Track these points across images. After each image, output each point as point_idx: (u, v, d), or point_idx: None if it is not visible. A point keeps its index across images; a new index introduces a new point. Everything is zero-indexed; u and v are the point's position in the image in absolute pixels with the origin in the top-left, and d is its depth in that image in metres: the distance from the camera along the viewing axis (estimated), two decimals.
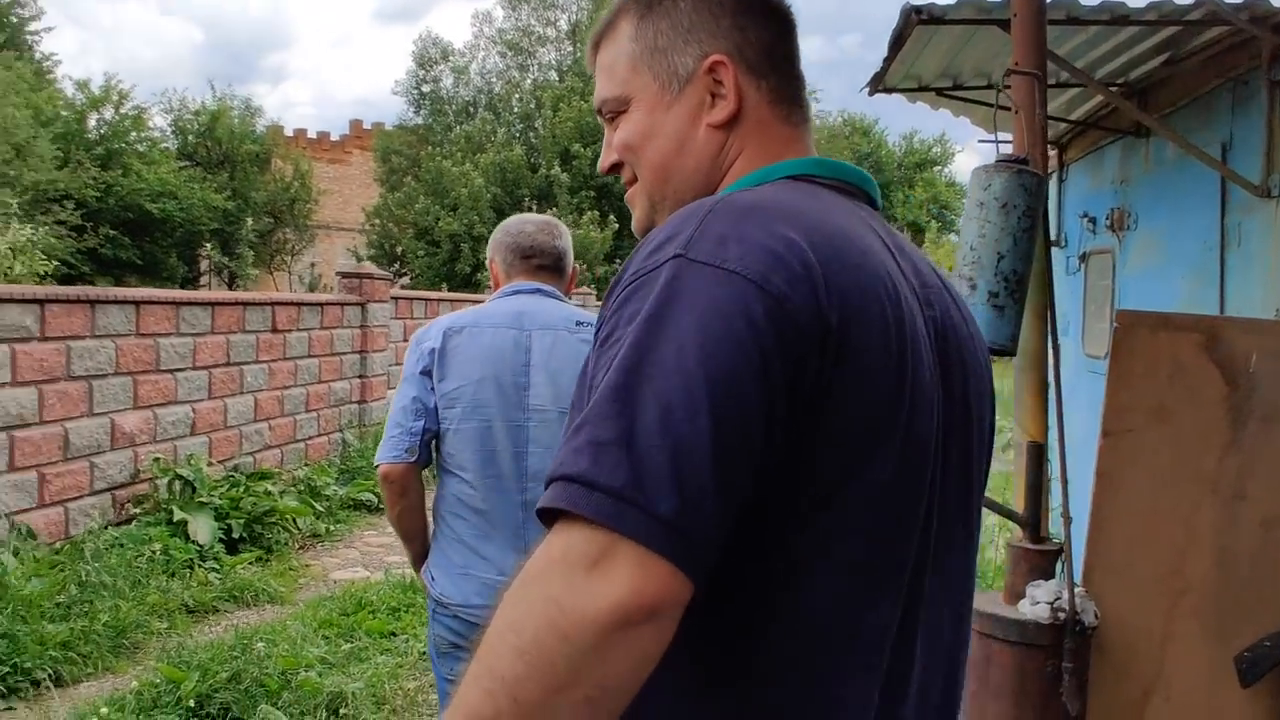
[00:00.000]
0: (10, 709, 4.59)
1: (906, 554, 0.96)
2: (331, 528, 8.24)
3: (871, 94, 5.36)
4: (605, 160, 1.17)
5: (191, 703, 4.35)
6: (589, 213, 25.39)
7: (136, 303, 7.16)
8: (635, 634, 0.79)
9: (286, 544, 7.58)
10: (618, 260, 28.62)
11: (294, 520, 7.83)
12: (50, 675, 4.90)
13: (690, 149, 1.09)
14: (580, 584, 0.80)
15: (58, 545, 6.29)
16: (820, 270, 0.89)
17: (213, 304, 8.05)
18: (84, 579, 5.73)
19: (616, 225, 25.38)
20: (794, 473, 0.89)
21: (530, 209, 25.54)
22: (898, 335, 0.92)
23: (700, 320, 0.85)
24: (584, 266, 24.64)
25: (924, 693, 1.01)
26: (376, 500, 8.57)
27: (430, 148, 26.87)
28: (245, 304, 8.49)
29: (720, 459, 0.82)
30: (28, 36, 24.35)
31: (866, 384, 0.90)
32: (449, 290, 21.89)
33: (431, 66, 29.21)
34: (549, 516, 0.84)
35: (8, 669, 4.75)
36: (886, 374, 0.91)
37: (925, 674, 1.01)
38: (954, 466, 1.02)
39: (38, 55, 24.52)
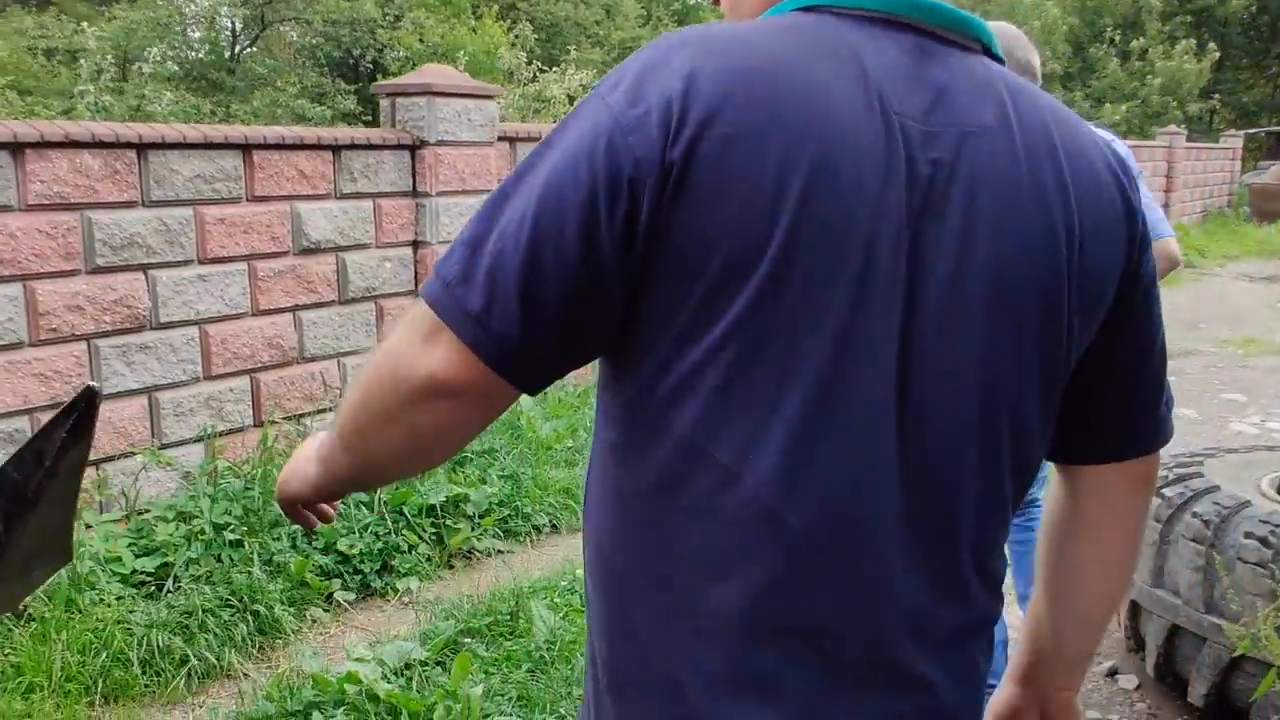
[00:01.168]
0: (509, 551, 4.50)
1: (781, 398, 0.93)
2: None
3: None
4: None
5: None
6: (1183, 41, 21.84)
7: None
8: (438, 404, 0.96)
9: None
10: (1215, 96, 24.60)
11: None
12: (549, 522, 4.78)
13: None
14: (414, 348, 0.96)
15: (578, 388, 6.26)
16: (692, 109, 0.90)
17: None
18: (590, 424, 5.57)
19: (1217, 54, 21.64)
20: (647, 302, 0.94)
21: (1114, 40, 22.52)
22: (804, 177, 0.90)
23: (562, 148, 0.94)
24: (1175, 103, 21.41)
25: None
26: None
27: None
28: None
29: (527, 272, 0.92)
30: None
31: (714, 225, 0.90)
32: None
33: None
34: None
35: (509, 511, 4.68)
36: (751, 218, 0.90)
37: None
38: (947, 317, 0.96)
39: None
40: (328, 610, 3.86)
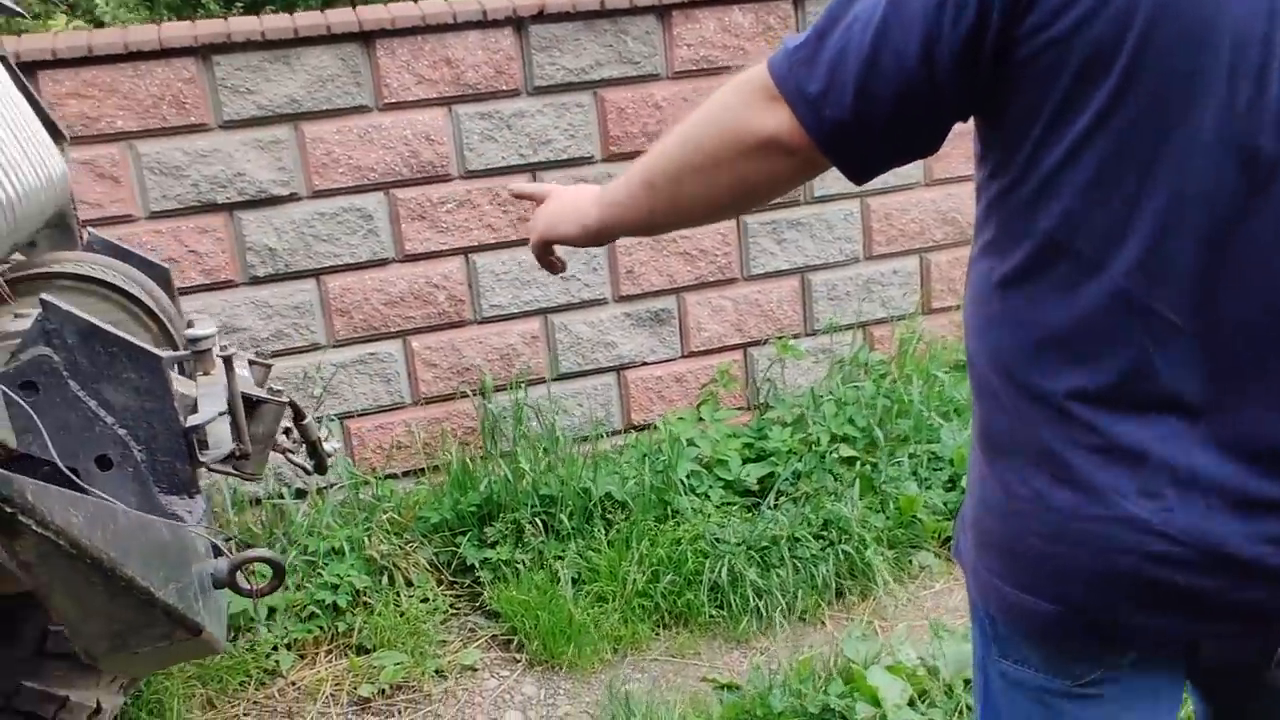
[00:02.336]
0: None
1: (1150, 190, 0.97)
2: None
3: None
4: None
5: None
6: None
7: None
8: (774, 159, 1.09)
9: None
10: None
11: None
12: None
13: None
14: (753, 109, 1.08)
15: None
16: None
17: None
18: None
19: None
20: (1007, 108, 1.01)
21: None
22: None
23: None
24: None
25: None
26: None
27: None
28: None
29: (866, 69, 1.00)
30: None
31: (1067, 28, 0.93)
32: None
33: None
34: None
35: None
36: (1103, 18, 0.93)
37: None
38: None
39: None
40: (939, 557, 3.22)
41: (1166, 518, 1.02)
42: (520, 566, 3.13)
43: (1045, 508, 1.07)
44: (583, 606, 2.98)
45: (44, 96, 3.13)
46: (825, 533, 3.14)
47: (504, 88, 3.53)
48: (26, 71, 3.09)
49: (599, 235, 1.35)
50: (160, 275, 2.20)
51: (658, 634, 3.00)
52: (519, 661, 2.95)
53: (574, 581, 3.07)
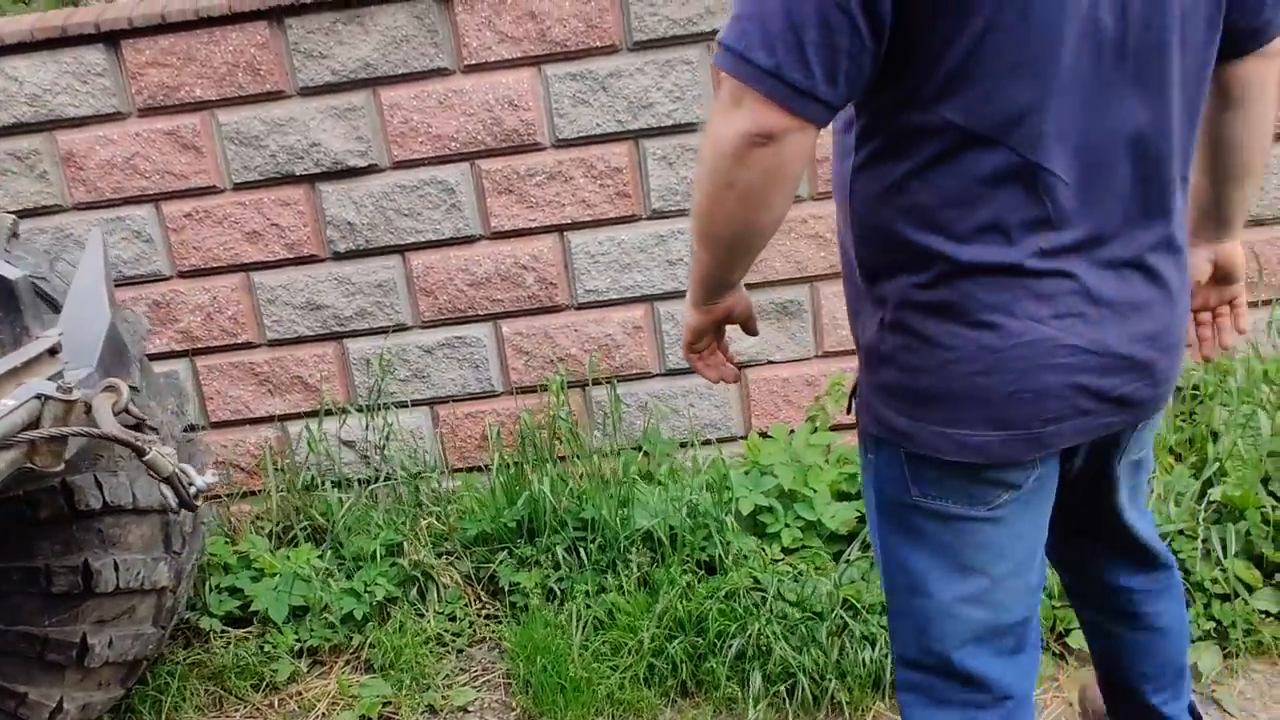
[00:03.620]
0: None
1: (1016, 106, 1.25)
2: None
3: None
4: None
5: None
6: None
7: None
8: (755, 153, 1.24)
9: None
10: None
11: None
12: None
13: None
14: (723, 121, 1.25)
15: None
16: None
17: None
18: None
19: None
20: (906, 34, 1.23)
21: None
22: None
23: None
24: None
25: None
26: None
27: None
28: None
29: (817, 30, 1.19)
30: None
31: None
32: None
33: None
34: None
35: None
36: None
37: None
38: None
39: None
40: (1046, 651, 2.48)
41: (1076, 332, 1.33)
42: (543, 597, 2.79)
43: (978, 348, 1.33)
44: (590, 658, 2.59)
45: (127, 66, 3.11)
46: None
47: (597, 44, 3.07)
48: (108, 42, 3.08)
49: (704, 303, 1.55)
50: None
51: (667, 705, 2.55)
52: (511, 711, 2.63)
53: (592, 626, 2.68)
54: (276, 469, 3.29)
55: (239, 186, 3.21)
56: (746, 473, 2.90)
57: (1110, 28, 1.25)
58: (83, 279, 2.28)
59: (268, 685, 2.77)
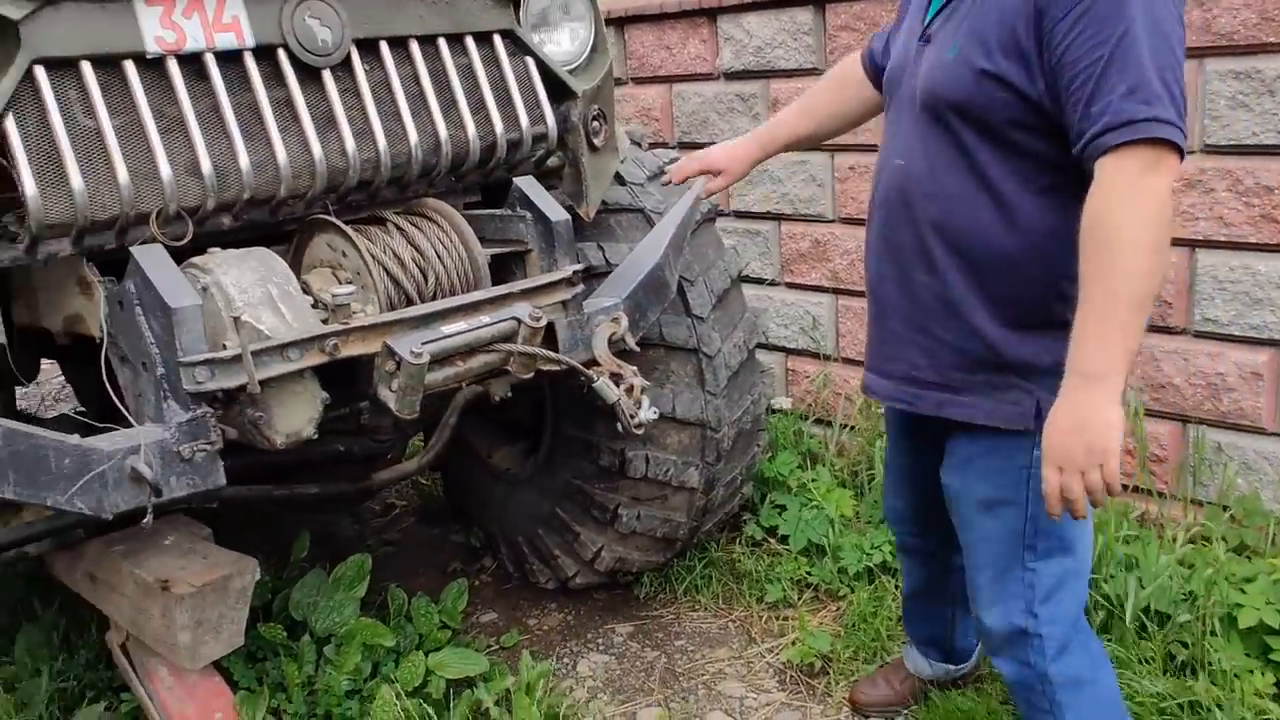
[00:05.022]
0: None
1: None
2: None
3: None
4: None
5: None
6: None
7: None
8: (1167, 209, 1.54)
9: None
10: None
11: None
12: None
13: None
14: (1147, 192, 1.52)
15: None
16: None
17: None
18: None
19: None
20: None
21: None
22: None
23: (1163, 8, 1.55)
24: None
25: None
26: None
27: None
28: None
29: (1181, 80, 1.55)
30: None
31: None
32: None
33: None
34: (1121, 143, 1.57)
35: None
36: None
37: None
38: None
39: None
40: None
41: None
42: None
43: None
44: None
45: (827, 28, 3.44)
46: None
47: (1272, 39, 2.57)
48: (817, 5, 3.44)
49: (1119, 396, 1.58)
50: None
51: None
52: None
53: None
54: None
55: None
56: None
57: None
58: (663, 224, 2.71)
59: (764, 601, 3.10)
